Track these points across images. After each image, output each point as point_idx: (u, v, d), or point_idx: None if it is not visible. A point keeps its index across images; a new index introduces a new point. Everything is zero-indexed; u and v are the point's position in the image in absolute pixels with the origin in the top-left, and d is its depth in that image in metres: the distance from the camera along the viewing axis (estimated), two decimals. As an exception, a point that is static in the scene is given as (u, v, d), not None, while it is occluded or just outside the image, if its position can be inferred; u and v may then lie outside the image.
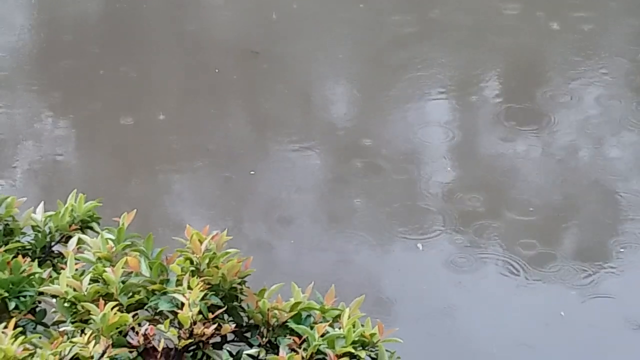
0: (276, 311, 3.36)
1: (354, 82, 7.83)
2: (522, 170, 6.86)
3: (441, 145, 7.07)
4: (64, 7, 8.79)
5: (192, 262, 3.38)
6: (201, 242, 3.39)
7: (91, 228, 3.73)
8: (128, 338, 3.19)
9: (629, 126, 7.25)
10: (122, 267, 3.32)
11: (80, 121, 7.43)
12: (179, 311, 3.21)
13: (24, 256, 3.52)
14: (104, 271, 3.31)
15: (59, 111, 7.49)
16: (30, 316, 3.39)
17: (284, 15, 8.65)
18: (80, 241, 3.56)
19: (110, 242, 3.48)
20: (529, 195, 6.63)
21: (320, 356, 3.22)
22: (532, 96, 7.57)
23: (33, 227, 3.74)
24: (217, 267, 3.37)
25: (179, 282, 3.31)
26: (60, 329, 3.25)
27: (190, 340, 3.21)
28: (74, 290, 3.25)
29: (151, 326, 3.20)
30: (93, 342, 3.08)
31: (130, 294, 3.32)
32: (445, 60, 7.95)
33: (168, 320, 3.22)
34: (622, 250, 6.22)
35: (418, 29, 8.34)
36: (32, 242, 3.71)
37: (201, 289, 3.24)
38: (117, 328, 3.16)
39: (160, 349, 3.16)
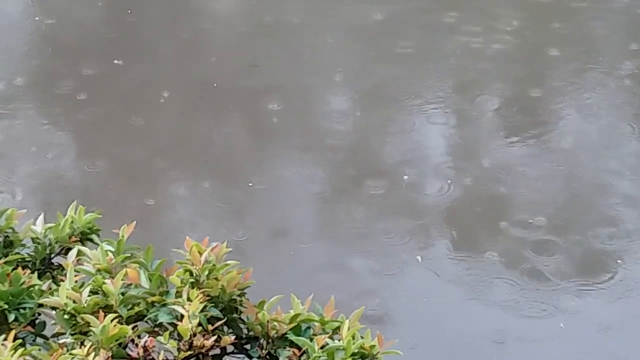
0: (276, 323, 3.36)
1: (353, 94, 7.84)
2: (522, 182, 6.87)
3: (442, 157, 7.08)
4: (64, 18, 8.81)
5: (191, 274, 3.38)
6: (201, 254, 3.39)
7: (91, 240, 3.73)
8: (128, 350, 3.19)
9: (630, 136, 7.26)
10: (122, 279, 3.32)
11: (80, 133, 7.43)
12: (178, 323, 3.21)
13: (23, 268, 3.52)
14: (104, 283, 3.31)
15: (59, 123, 7.50)
16: (29, 328, 3.38)
17: (283, 28, 8.67)
18: (80, 253, 3.56)
19: (110, 254, 3.48)
20: (528, 207, 6.63)
21: (320, 368, 3.22)
22: (533, 105, 7.59)
23: (33, 239, 3.74)
24: (216, 278, 3.37)
25: (178, 294, 3.31)
26: (60, 341, 3.25)
27: (189, 352, 3.21)
28: (74, 302, 3.25)
29: (151, 338, 3.20)
30: (93, 354, 3.08)
31: (130, 305, 3.31)
32: (445, 69, 7.97)
33: (168, 332, 3.22)
34: (619, 261, 6.22)
35: (417, 39, 8.36)
36: (32, 254, 3.71)
37: (201, 300, 3.24)
38: (116, 340, 3.16)
39: (159, 361, 3.16)
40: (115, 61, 8.08)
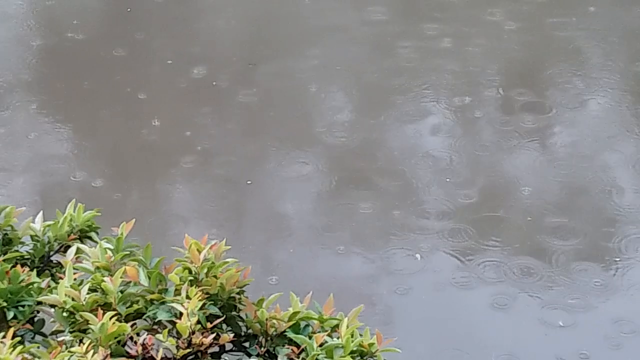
0: (274, 321, 3.37)
1: (352, 93, 7.84)
2: (521, 180, 6.86)
3: (441, 157, 7.07)
4: (63, 16, 8.80)
5: (190, 272, 3.39)
6: (200, 252, 3.40)
7: (90, 238, 3.74)
8: (126, 348, 3.19)
9: (631, 134, 7.26)
10: (121, 277, 3.32)
11: (78, 131, 7.43)
12: (177, 321, 3.22)
13: (22, 266, 3.52)
14: (103, 281, 3.31)
15: (57, 120, 7.50)
16: (28, 326, 3.39)
17: (281, 27, 8.67)
18: (79, 251, 3.57)
19: (109, 252, 3.49)
20: (527, 204, 6.63)
21: (319, 366, 3.23)
22: (533, 106, 7.59)
23: (32, 237, 3.75)
24: (215, 276, 3.38)
25: (177, 292, 3.32)
26: (59, 339, 3.26)
27: (188, 350, 3.22)
28: (73, 299, 3.26)
29: (150, 336, 3.21)
30: (91, 351, 3.08)
31: (129, 303, 3.32)
32: (445, 70, 7.96)
33: (166, 330, 3.23)
34: (617, 259, 6.22)
35: (417, 40, 8.36)
36: (31, 251, 3.72)
37: (200, 298, 3.24)
38: (115, 338, 3.17)
39: (158, 359, 3.17)
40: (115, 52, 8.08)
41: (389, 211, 6.59)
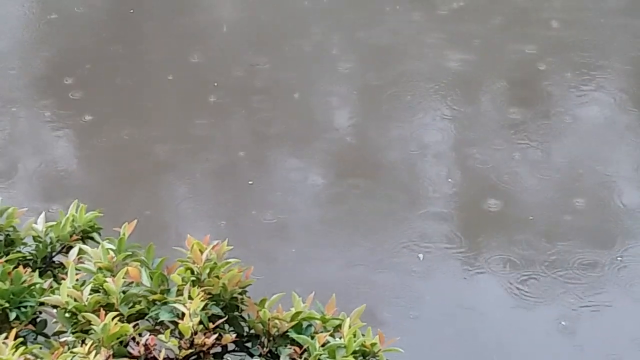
0: (277, 321, 3.37)
1: (353, 93, 7.84)
2: (522, 179, 6.86)
3: (442, 156, 7.07)
4: (65, 17, 8.81)
5: (192, 272, 3.39)
6: (202, 252, 3.40)
7: (92, 238, 3.74)
8: (129, 348, 3.20)
9: (630, 136, 7.26)
10: (123, 277, 3.33)
11: (81, 132, 7.43)
12: (179, 321, 3.22)
13: (24, 266, 3.53)
14: (105, 281, 3.31)
15: (60, 122, 7.50)
16: (31, 327, 3.40)
17: (283, 27, 8.67)
18: (81, 251, 3.57)
19: (111, 252, 3.49)
20: (529, 204, 6.63)
21: (321, 366, 3.23)
22: (534, 106, 7.59)
23: (34, 238, 3.75)
24: (217, 277, 3.38)
25: (179, 292, 3.32)
26: (61, 340, 3.26)
27: (191, 350, 3.22)
28: (75, 300, 3.26)
29: (152, 336, 3.21)
30: (94, 352, 3.08)
31: (131, 304, 3.32)
32: (446, 68, 7.96)
33: (169, 330, 3.23)
34: (619, 259, 6.22)
35: (419, 37, 8.36)
36: (33, 252, 3.72)
37: (202, 298, 3.24)
38: (117, 338, 3.17)
39: (161, 359, 3.17)
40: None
41: (392, 211, 6.59)
